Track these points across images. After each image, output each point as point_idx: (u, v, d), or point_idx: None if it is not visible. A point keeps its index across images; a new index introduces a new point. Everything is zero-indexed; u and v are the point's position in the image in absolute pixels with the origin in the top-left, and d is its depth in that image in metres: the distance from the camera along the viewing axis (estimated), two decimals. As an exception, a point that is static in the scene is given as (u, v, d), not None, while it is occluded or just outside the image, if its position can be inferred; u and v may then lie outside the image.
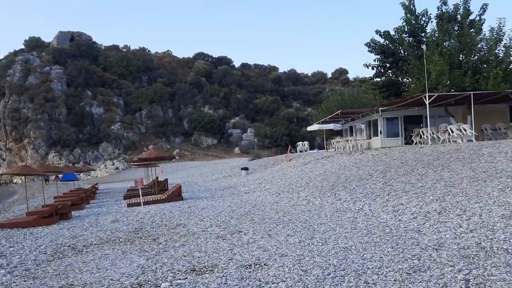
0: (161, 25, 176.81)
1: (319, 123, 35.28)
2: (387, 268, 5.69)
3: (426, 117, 23.84)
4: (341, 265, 6.05)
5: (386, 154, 17.58)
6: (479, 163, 11.69)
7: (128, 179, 44.86)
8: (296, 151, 39.42)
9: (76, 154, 67.90)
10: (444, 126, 19.88)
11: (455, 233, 6.93)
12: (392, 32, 23.86)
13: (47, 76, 76.50)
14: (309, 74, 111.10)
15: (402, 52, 23.41)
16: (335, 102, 42.25)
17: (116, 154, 69.97)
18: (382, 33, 24.01)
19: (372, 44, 24.28)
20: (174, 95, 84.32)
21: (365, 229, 8.15)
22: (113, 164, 65.97)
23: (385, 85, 24.41)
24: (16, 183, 61.84)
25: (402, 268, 5.57)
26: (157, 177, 24.29)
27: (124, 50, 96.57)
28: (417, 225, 7.87)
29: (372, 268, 5.77)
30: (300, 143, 41.05)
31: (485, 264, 5.32)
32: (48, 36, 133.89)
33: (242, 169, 28.89)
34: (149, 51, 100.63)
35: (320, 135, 65.19)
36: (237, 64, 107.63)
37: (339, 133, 41.40)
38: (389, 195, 10.80)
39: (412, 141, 22.28)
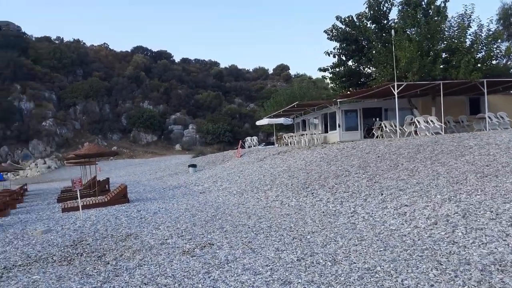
0: (97, 17, 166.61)
1: (270, 117, 33.70)
2: (453, 303, 3.96)
3: (386, 110, 22.95)
4: (380, 299, 4.25)
5: (354, 147, 16.16)
6: (473, 156, 10.44)
7: (61, 179, 40.73)
8: (245, 147, 37.67)
9: (3, 153, 61.59)
10: (409, 118, 18.89)
11: (509, 244, 5.35)
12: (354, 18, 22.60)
13: (-28, 68, 68.38)
14: (251, 70, 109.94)
15: (365, 39, 22.16)
16: (285, 96, 40.94)
17: (48, 152, 64.43)
18: (343, 19, 22.65)
19: (333, 30, 22.85)
20: (111, 90, 79.48)
21: (377, 239, 6.41)
22: (45, 162, 60.64)
23: (346, 75, 23.11)
24: None
25: (480, 305, 3.85)
26: (95, 176, 21.35)
27: (57, 42, 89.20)
28: (445, 233, 6.23)
29: (431, 304, 4.01)
30: (248, 138, 39.35)
31: None
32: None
33: (189, 166, 26.71)
34: (84, 43, 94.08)
35: (264, 131, 64.01)
36: (177, 58, 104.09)
37: (287, 127, 40.14)
38: (382, 194, 9.20)
39: (373, 134, 21.18)
